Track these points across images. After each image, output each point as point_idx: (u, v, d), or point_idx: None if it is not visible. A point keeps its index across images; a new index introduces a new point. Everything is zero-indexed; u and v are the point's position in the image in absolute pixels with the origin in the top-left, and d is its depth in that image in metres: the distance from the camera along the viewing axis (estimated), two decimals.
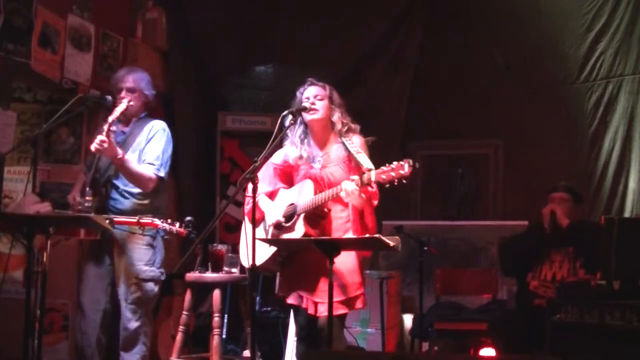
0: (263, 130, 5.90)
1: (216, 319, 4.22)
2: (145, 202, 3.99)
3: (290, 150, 3.62)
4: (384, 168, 3.06)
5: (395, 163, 3.03)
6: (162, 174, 4.02)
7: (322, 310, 3.36)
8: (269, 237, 3.52)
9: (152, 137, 4.04)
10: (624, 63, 5.65)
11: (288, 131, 3.57)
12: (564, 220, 4.18)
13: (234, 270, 4.34)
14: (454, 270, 5.40)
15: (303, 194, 3.46)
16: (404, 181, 3.01)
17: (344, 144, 3.51)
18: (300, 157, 3.57)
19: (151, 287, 4.01)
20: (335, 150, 3.57)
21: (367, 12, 6.16)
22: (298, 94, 3.61)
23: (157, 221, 3.78)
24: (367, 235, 3.30)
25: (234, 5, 6.19)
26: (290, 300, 3.56)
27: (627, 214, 5.44)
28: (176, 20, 5.99)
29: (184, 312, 4.32)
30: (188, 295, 4.33)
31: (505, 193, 6.22)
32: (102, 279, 3.99)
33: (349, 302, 3.41)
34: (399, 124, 6.29)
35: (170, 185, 5.56)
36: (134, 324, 3.96)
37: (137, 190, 3.98)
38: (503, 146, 6.27)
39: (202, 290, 4.55)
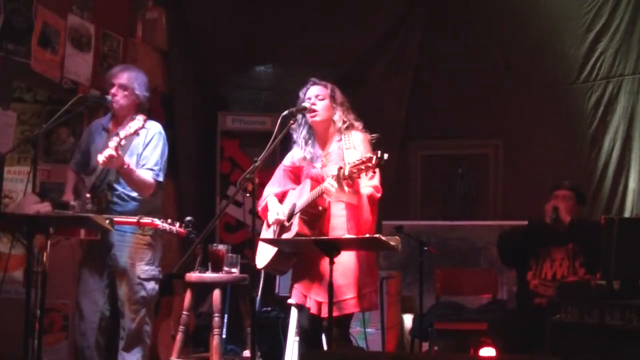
0: (263, 130, 5.91)
1: (216, 319, 4.22)
2: (145, 203, 4.00)
3: (296, 151, 3.65)
4: (355, 161, 3.06)
5: (367, 156, 3.01)
6: (160, 178, 4.03)
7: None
8: (275, 236, 3.54)
9: (149, 141, 4.01)
10: (624, 63, 5.64)
11: (293, 132, 3.59)
12: (566, 216, 4.18)
13: (234, 270, 4.35)
14: (454, 270, 5.41)
15: (303, 194, 3.48)
16: (376, 171, 3.02)
17: (342, 141, 3.51)
18: (304, 158, 3.59)
19: (152, 286, 4.03)
20: (335, 148, 3.56)
21: (367, 12, 6.16)
22: (301, 94, 3.60)
23: (157, 221, 3.79)
24: (367, 236, 3.30)
25: (234, 5, 6.19)
26: (294, 299, 3.56)
27: (627, 214, 5.44)
28: (176, 20, 5.99)
29: (184, 312, 4.33)
30: (188, 295, 4.34)
31: (505, 193, 6.21)
32: (101, 280, 3.99)
33: (361, 299, 3.37)
34: (399, 124, 6.28)
35: (170, 185, 5.57)
36: (136, 324, 3.96)
37: (135, 192, 3.99)
38: (503, 146, 6.26)
39: (202, 290, 4.55)
